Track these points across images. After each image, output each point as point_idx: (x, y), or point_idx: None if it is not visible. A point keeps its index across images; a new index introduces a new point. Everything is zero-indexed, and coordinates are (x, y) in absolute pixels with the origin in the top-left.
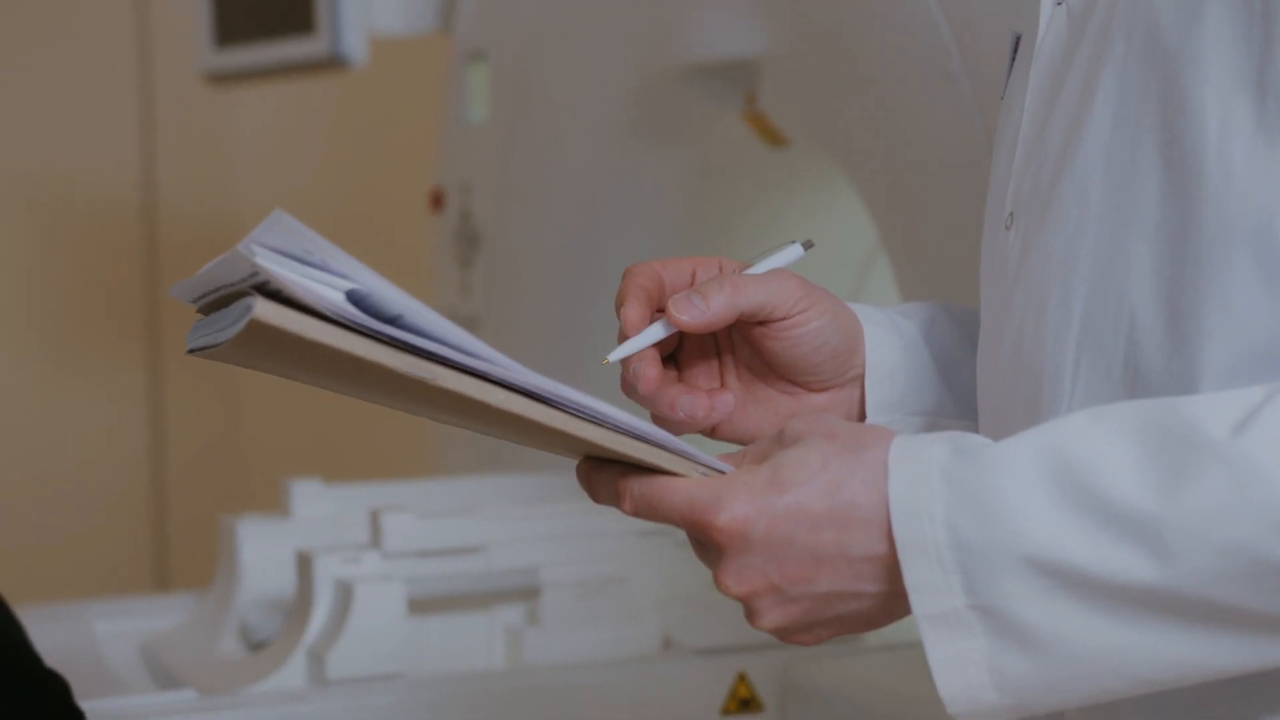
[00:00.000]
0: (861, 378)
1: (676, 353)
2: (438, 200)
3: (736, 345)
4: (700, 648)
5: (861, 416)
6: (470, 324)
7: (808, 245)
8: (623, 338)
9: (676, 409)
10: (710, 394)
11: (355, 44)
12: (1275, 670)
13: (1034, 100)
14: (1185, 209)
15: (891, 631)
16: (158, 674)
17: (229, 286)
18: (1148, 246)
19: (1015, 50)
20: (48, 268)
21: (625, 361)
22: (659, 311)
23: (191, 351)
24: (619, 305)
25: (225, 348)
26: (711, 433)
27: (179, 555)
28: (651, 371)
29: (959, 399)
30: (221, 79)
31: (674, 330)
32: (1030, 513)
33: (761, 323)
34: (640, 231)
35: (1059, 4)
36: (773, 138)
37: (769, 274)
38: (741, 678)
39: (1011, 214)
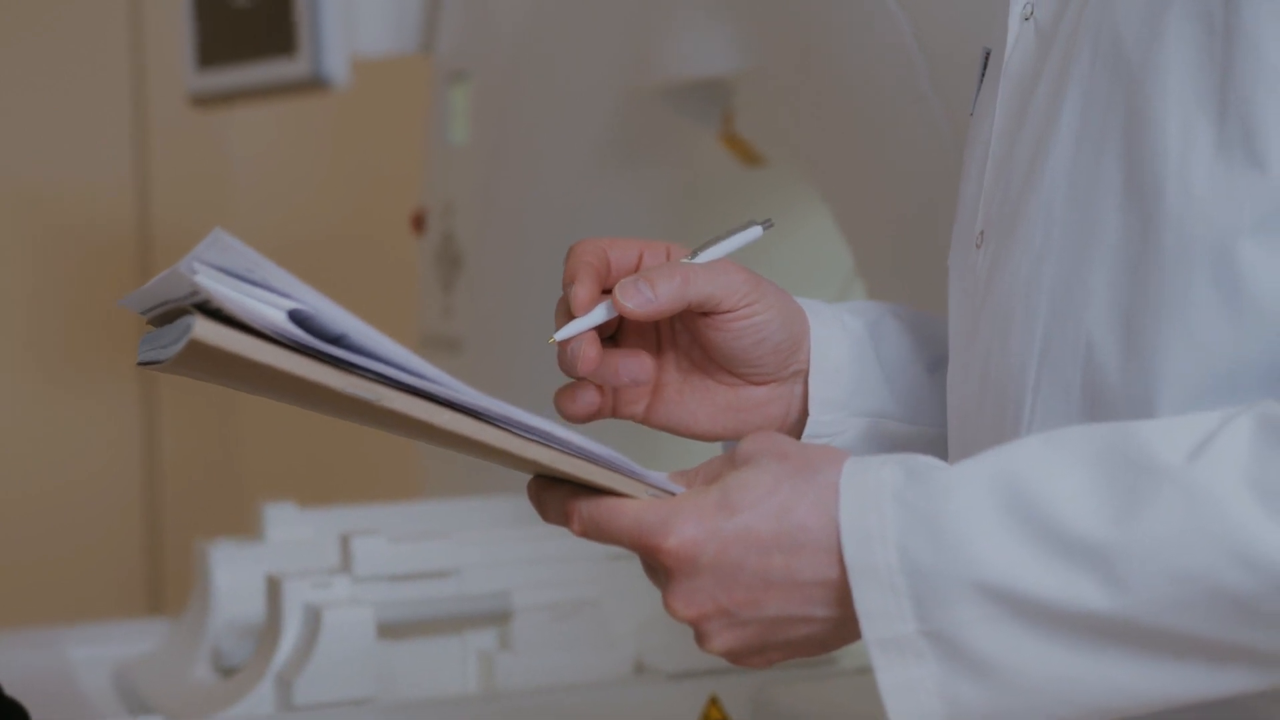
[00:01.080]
0: (803, 373)
1: (616, 334)
2: (419, 222)
3: (678, 332)
4: (673, 671)
5: (802, 413)
6: (452, 346)
7: (767, 225)
8: (566, 315)
9: (620, 374)
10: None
11: (337, 65)
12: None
13: (1003, 116)
14: (1144, 229)
15: (865, 654)
16: (130, 700)
17: (174, 301)
18: (1106, 269)
19: (985, 65)
20: (42, 289)
21: (564, 341)
22: (604, 291)
23: (141, 364)
24: (568, 283)
25: (169, 364)
26: (645, 420)
27: (173, 578)
28: (591, 352)
29: (902, 402)
30: (205, 101)
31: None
32: (983, 538)
33: (706, 314)
34: None
35: (1027, 19)
36: (750, 158)
37: (717, 266)
38: (713, 701)
39: (982, 232)
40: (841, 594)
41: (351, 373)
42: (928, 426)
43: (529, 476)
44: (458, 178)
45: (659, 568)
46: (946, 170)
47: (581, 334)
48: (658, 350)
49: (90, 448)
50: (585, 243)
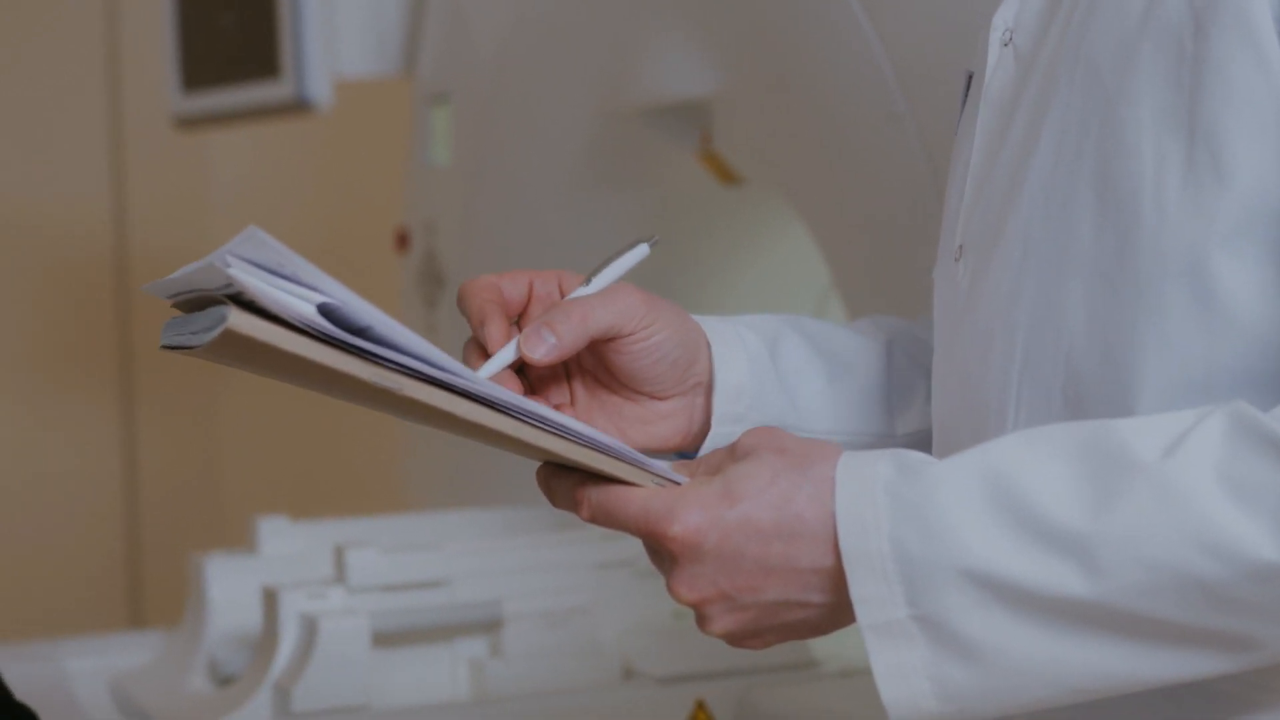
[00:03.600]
0: (703, 385)
1: (524, 365)
2: (403, 240)
3: (583, 356)
4: (661, 676)
5: (705, 423)
6: None
7: (653, 242)
8: (479, 354)
9: None
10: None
11: (320, 87)
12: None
13: (983, 137)
14: (1120, 245)
15: (849, 657)
16: (128, 711)
17: (205, 291)
18: (1084, 283)
19: (968, 88)
20: (20, 308)
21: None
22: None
23: (165, 348)
24: (478, 324)
25: (200, 350)
26: None
27: (154, 591)
28: (512, 387)
29: (801, 412)
30: (189, 123)
31: None
32: (969, 528)
33: (608, 339)
34: None
35: (1006, 45)
36: (727, 176)
37: (613, 293)
38: (700, 705)
39: (961, 246)
40: (837, 581)
41: (376, 363)
42: (827, 432)
43: (509, 488)
44: (439, 198)
45: (664, 553)
46: (920, 187)
47: (500, 371)
48: (566, 375)
49: (69, 464)
50: (477, 282)
